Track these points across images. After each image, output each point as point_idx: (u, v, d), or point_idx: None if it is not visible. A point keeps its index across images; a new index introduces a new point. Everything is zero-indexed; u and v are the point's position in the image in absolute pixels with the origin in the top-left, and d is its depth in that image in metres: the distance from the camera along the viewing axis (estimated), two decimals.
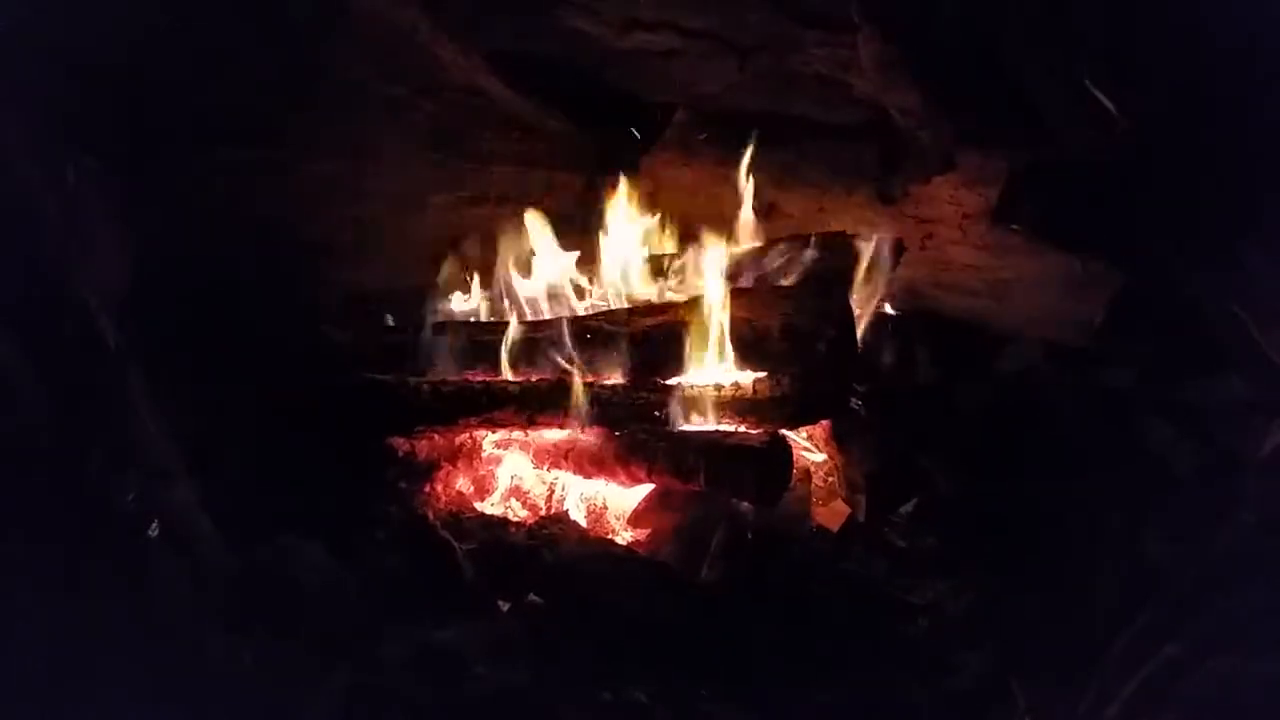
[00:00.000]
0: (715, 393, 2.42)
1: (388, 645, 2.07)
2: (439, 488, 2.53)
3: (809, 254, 2.67)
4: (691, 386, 2.45)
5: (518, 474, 2.61)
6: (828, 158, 2.79)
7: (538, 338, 2.53)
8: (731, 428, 2.43)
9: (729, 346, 2.44)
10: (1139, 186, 2.46)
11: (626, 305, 2.68)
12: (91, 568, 1.84)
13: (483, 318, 2.75)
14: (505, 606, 2.24)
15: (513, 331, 2.55)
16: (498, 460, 2.63)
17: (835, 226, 2.78)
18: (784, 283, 2.62)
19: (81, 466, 1.87)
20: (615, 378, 2.50)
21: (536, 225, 2.76)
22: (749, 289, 2.57)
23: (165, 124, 2.49)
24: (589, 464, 2.49)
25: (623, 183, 2.83)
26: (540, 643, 2.12)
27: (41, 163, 2.06)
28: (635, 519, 2.49)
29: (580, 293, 2.77)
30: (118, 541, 1.91)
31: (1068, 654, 1.98)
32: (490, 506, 2.54)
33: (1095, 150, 2.50)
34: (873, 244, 2.67)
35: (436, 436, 2.58)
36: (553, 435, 2.56)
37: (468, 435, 2.61)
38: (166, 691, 1.77)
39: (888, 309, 2.80)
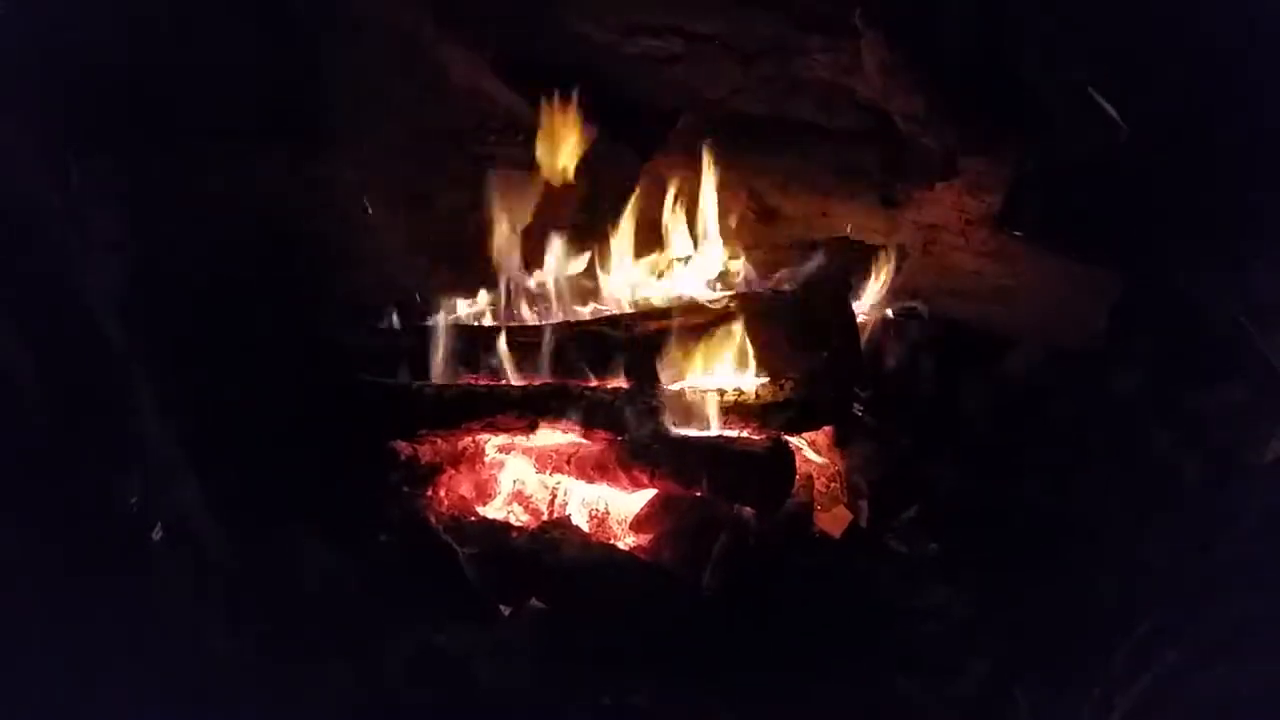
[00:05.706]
0: (718, 398, 2.42)
1: (389, 649, 2.07)
2: (441, 491, 2.52)
3: (812, 259, 2.67)
4: (694, 392, 2.45)
5: (520, 478, 2.60)
6: (831, 162, 2.79)
7: (541, 342, 2.54)
8: (734, 433, 2.43)
9: (732, 352, 2.44)
10: (1142, 192, 2.46)
11: (630, 310, 2.68)
12: (94, 567, 1.84)
13: (486, 321, 2.75)
14: (507, 611, 2.24)
15: (516, 335, 2.55)
16: (500, 465, 2.62)
17: (838, 231, 2.78)
18: (787, 288, 2.63)
19: (84, 466, 1.88)
20: (618, 383, 2.49)
21: (540, 229, 2.76)
22: (752, 294, 2.57)
23: (168, 123, 2.50)
24: (592, 469, 2.49)
25: (626, 188, 2.83)
26: (542, 647, 2.12)
27: (44, 161, 2.07)
28: (637, 524, 2.48)
29: (583, 297, 2.77)
30: (120, 542, 1.91)
31: (1071, 659, 1.98)
32: (492, 511, 2.54)
33: (1098, 155, 2.50)
34: (875, 249, 2.67)
35: (439, 440, 2.57)
36: (555, 440, 2.56)
37: (470, 439, 2.60)
38: (168, 691, 1.77)
39: (890, 314, 2.80)
